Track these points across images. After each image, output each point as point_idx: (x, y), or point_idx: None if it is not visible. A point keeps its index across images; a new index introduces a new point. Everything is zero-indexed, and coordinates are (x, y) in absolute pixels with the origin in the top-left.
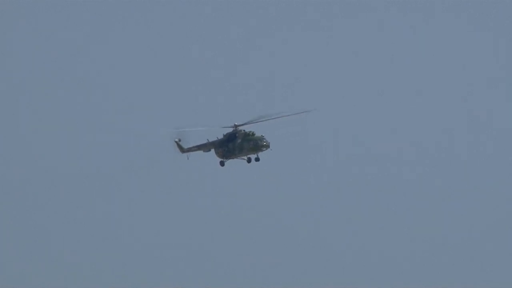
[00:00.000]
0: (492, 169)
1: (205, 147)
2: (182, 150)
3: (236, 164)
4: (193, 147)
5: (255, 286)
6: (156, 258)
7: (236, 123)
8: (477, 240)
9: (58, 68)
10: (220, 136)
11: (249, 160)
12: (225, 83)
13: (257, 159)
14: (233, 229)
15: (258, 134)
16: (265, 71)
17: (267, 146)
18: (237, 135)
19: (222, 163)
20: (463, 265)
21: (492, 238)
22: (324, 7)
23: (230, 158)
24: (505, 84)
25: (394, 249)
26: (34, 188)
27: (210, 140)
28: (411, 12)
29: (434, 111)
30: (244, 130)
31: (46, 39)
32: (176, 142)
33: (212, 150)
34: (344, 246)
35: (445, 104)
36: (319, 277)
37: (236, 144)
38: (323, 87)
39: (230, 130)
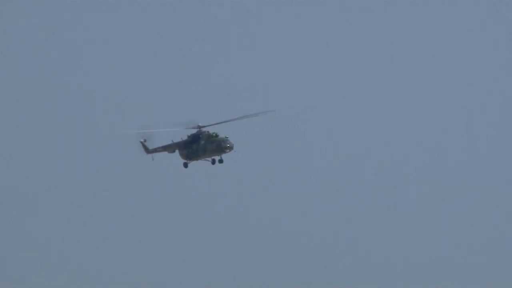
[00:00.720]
0: (491, 169)
1: (169, 148)
2: (147, 151)
3: (199, 165)
4: (158, 148)
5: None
6: (120, 259)
7: (199, 124)
8: (477, 241)
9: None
10: (185, 137)
11: (213, 162)
12: (193, 83)
13: (220, 161)
14: (196, 230)
15: (222, 135)
16: (236, 71)
17: (231, 148)
18: (201, 136)
19: (185, 165)
20: (463, 265)
21: (492, 238)
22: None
23: (194, 160)
24: (505, 84)
25: (370, 249)
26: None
27: (175, 141)
28: (406, 10)
29: (416, 110)
30: (208, 132)
31: (32, 40)
32: (141, 142)
33: (177, 151)
34: (316, 246)
35: (430, 103)
36: (296, 277)
37: (199, 146)
38: (293, 87)
39: (194, 131)
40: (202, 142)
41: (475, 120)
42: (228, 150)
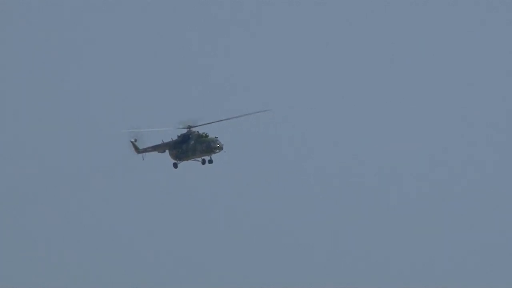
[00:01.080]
0: (491, 169)
1: (159, 148)
2: (138, 150)
3: (189, 166)
4: (149, 147)
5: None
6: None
7: (189, 124)
8: (477, 241)
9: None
10: (175, 137)
11: (203, 162)
12: (192, 82)
13: (210, 161)
14: (185, 230)
15: (212, 135)
16: (235, 71)
17: (220, 148)
18: (190, 136)
19: (175, 165)
20: (463, 265)
21: (492, 239)
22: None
23: (183, 160)
24: (505, 84)
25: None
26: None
27: (165, 141)
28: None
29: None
30: (198, 132)
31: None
32: (132, 142)
33: (167, 151)
34: (306, 247)
35: (420, 103)
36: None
37: (189, 146)
38: (281, 87)
39: (185, 131)
40: (192, 142)
41: (475, 120)
42: (217, 151)
